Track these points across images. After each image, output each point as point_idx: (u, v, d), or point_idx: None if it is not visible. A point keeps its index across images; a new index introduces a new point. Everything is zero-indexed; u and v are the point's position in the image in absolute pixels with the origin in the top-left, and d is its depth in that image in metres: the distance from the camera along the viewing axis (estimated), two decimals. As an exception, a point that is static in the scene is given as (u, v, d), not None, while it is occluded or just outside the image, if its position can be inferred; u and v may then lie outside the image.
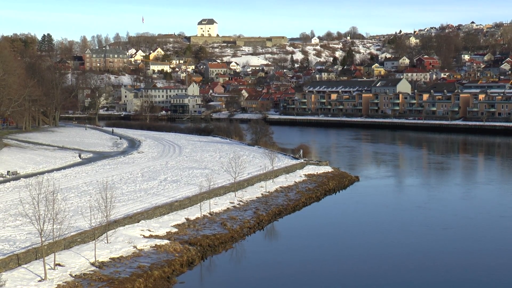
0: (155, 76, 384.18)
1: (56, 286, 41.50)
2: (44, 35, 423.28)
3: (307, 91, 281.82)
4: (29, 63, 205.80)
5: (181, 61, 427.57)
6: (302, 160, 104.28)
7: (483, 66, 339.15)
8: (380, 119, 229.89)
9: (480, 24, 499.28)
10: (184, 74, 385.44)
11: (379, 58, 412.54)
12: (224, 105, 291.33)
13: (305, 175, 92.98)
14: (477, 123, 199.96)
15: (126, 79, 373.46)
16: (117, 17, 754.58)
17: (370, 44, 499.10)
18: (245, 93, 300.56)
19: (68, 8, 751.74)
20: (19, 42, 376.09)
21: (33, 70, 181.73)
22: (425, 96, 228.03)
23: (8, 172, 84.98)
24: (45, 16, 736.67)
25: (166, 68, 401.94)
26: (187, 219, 61.60)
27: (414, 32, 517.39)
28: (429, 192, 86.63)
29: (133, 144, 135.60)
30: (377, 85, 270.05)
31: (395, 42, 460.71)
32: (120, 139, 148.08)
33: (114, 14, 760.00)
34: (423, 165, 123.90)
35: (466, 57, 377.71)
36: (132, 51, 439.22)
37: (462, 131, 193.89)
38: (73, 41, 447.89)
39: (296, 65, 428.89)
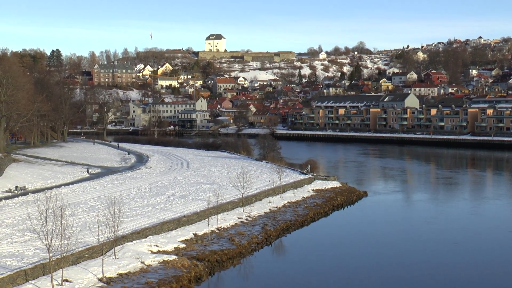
0: (163, 91, 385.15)
1: (64, 302, 41.37)
2: (53, 50, 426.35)
3: (315, 106, 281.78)
4: (38, 79, 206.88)
5: (189, 76, 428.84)
6: (310, 175, 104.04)
7: (491, 81, 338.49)
8: (388, 134, 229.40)
9: (488, 39, 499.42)
10: (192, 89, 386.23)
11: (387, 73, 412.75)
12: (232, 120, 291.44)
13: (313, 190, 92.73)
14: (486, 138, 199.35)
15: (134, 94, 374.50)
16: (126, 33, 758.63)
17: (378, 59, 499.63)
18: (253, 108, 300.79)
19: (77, 23, 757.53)
20: (28, 58, 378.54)
21: (42, 85, 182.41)
22: (433, 111, 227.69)
23: (16, 187, 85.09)
24: (54, 32, 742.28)
25: (174, 83, 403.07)
26: (195, 235, 61.43)
27: (422, 47, 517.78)
28: (437, 207, 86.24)
29: (141, 159, 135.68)
30: (385, 100, 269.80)
31: (403, 57, 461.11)
32: (128, 154, 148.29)
33: (122, 30, 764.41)
34: (431, 180, 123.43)
35: (474, 72, 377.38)
36: (141, 66, 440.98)
37: (470, 146, 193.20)
38: (81, 56, 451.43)
39: (304, 80, 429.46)
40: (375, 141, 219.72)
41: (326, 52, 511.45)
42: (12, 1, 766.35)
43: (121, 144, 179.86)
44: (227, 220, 68.57)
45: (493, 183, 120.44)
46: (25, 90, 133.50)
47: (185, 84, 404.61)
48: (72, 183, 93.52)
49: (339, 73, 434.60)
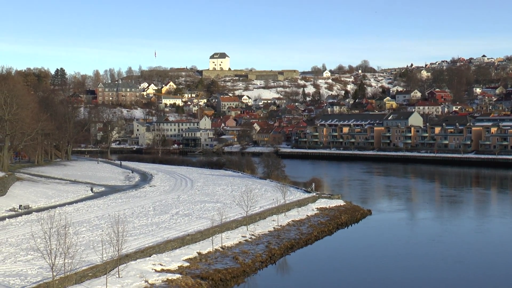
0: (167, 109, 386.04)
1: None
2: (57, 69, 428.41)
3: (319, 125, 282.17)
4: (42, 97, 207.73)
5: (193, 95, 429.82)
6: (314, 194, 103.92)
7: (495, 99, 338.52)
8: (392, 152, 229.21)
9: (492, 58, 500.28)
10: (196, 108, 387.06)
11: (391, 91, 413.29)
12: (236, 139, 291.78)
13: (317, 208, 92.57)
14: (490, 156, 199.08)
15: (138, 112, 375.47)
16: (130, 51, 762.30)
17: (382, 78, 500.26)
18: (257, 127, 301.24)
19: (81, 42, 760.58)
20: (32, 77, 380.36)
21: (46, 104, 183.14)
22: (437, 129, 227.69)
23: (20, 206, 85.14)
24: (59, 51, 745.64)
25: (178, 101, 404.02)
26: (199, 253, 61.28)
27: (426, 65, 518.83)
28: (442, 225, 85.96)
29: (145, 178, 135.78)
30: (389, 118, 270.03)
31: (407, 75, 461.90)
32: (132, 172, 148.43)
33: (127, 48, 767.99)
34: (435, 198, 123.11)
35: (478, 90, 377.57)
36: (145, 84, 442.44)
37: (475, 165, 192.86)
38: (86, 75, 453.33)
39: (307, 99, 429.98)
40: (379, 160, 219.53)
41: (330, 71, 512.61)
42: (16, 20, 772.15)
43: (125, 163, 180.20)
44: (231, 238, 68.45)
45: (498, 201, 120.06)
46: (30, 109, 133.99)
47: (189, 103, 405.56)
48: (76, 201, 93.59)
49: (343, 92, 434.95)
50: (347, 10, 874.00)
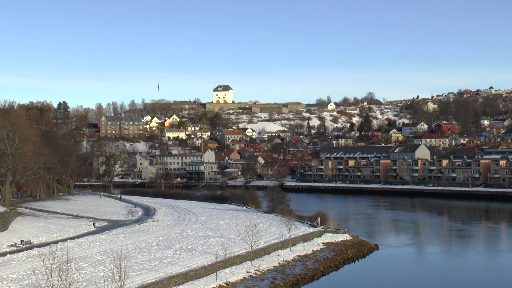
0: (170, 143, 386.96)
1: None
2: (60, 102, 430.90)
3: (324, 158, 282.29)
4: (44, 131, 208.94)
5: (197, 128, 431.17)
6: (320, 228, 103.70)
7: (503, 131, 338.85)
8: (398, 186, 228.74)
9: (499, 89, 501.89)
10: (199, 141, 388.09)
11: (397, 123, 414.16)
12: (240, 172, 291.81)
13: (323, 243, 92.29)
14: (499, 189, 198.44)
15: (141, 146, 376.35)
16: (133, 84, 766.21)
17: (388, 110, 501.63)
18: (261, 160, 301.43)
19: (84, 76, 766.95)
20: (35, 110, 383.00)
21: (48, 137, 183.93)
22: (445, 162, 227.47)
23: (21, 241, 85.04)
24: (61, 84, 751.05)
25: (182, 135, 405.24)
26: (203, 289, 61.07)
27: (432, 97, 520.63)
28: (451, 260, 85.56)
29: (148, 212, 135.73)
30: (395, 151, 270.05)
31: (413, 107, 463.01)
32: (135, 207, 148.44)
33: (129, 81, 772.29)
34: (444, 233, 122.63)
35: (486, 122, 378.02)
36: (148, 118, 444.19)
37: (483, 198, 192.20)
38: (88, 108, 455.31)
39: (312, 131, 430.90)
40: (385, 193, 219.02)
41: (335, 103, 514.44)
42: (19, 54, 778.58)
43: (128, 197, 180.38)
44: (235, 274, 68.21)
45: (508, 235, 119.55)
46: (32, 142, 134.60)
47: (192, 136, 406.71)
48: (78, 236, 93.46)
49: (348, 124, 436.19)
50: (351, 41, 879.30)
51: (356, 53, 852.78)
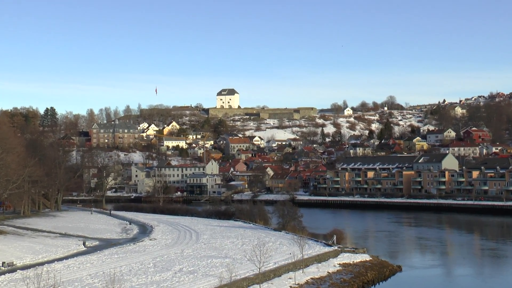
0: (169, 152, 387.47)
1: None
2: (47, 108, 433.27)
3: (340, 169, 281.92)
4: (30, 140, 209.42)
5: (199, 136, 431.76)
6: (336, 247, 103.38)
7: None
8: (424, 200, 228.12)
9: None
10: (201, 151, 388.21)
11: (421, 130, 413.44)
12: (246, 185, 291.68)
13: (339, 264, 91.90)
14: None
15: (137, 156, 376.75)
16: (128, 88, 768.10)
17: (410, 115, 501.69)
18: (270, 171, 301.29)
19: (74, 78, 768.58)
20: (19, 117, 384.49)
21: (34, 147, 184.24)
22: (475, 174, 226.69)
23: (3, 263, 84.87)
24: (49, 88, 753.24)
25: (182, 143, 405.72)
26: (205, 316, 60.78)
27: (460, 101, 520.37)
28: (483, 283, 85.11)
29: (145, 230, 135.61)
30: (420, 161, 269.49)
31: (439, 112, 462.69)
32: (130, 224, 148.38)
33: (124, 85, 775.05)
34: (474, 252, 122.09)
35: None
36: (144, 125, 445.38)
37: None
38: (79, 114, 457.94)
39: (327, 139, 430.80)
40: (409, 208, 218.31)
41: (352, 108, 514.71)
42: (2, 56, 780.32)
43: (122, 213, 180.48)
44: (242, 299, 67.98)
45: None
46: (16, 153, 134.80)
47: (194, 145, 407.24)
48: (67, 257, 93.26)
49: (367, 131, 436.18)
50: (368, 42, 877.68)
51: (375, 54, 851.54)
